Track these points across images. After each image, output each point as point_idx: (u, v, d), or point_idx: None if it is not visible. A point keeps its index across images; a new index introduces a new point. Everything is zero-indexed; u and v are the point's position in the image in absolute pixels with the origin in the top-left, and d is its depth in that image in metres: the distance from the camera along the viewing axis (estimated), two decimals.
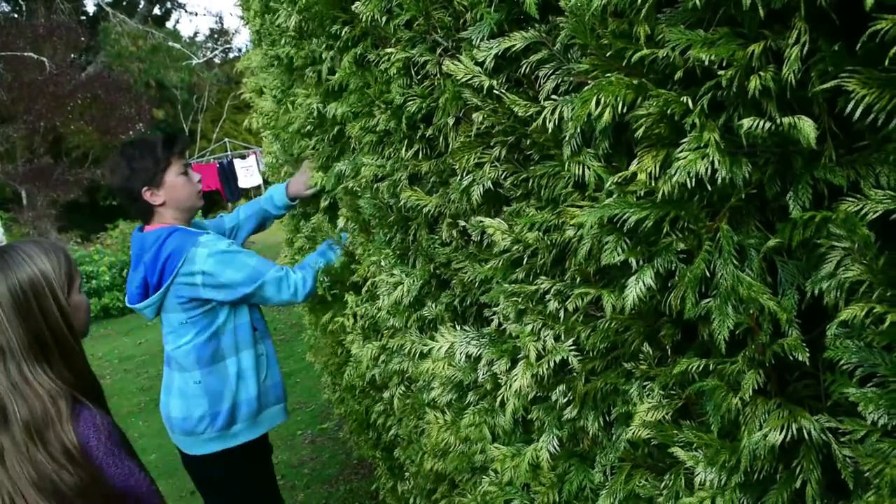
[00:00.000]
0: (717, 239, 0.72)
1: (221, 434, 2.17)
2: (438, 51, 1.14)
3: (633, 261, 0.81)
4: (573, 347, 0.98)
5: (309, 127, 1.96)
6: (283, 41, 2.05)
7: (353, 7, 1.34)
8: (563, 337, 1.00)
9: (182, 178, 2.15)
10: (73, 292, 1.40)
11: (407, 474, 1.92)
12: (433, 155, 1.29)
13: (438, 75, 1.15)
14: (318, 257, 2.18)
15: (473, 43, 1.01)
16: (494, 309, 1.17)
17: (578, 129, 0.85)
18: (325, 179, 1.96)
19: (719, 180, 0.67)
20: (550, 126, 0.87)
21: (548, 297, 1.00)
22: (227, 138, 17.60)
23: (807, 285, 0.67)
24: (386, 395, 1.82)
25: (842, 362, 0.64)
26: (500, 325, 1.16)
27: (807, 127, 0.60)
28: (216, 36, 24.11)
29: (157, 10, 22.51)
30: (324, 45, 1.69)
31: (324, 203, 2.18)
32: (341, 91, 1.63)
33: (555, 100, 0.88)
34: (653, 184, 0.74)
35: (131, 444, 1.50)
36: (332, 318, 2.17)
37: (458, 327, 1.27)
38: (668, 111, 0.70)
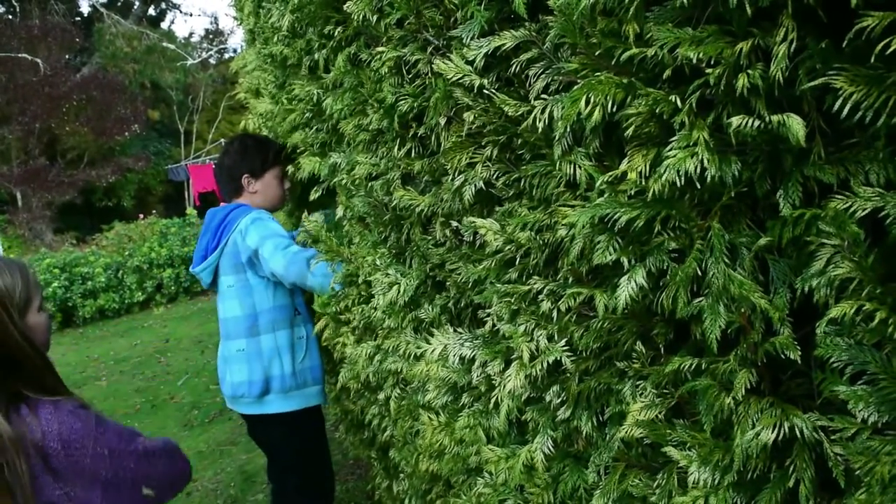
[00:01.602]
0: (708, 238, 0.72)
1: (256, 401, 2.40)
2: (429, 49, 1.14)
3: (624, 260, 0.81)
4: (566, 348, 0.97)
5: (308, 115, 1.96)
6: (275, 38, 2.05)
7: (345, 7, 1.34)
8: (556, 337, 0.99)
9: (277, 180, 2.52)
10: (31, 313, 1.36)
11: (402, 475, 1.92)
12: (425, 154, 1.29)
13: (429, 74, 1.14)
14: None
15: (464, 41, 1.00)
16: (488, 310, 1.16)
17: (569, 129, 0.84)
18: (321, 166, 1.95)
19: (709, 178, 0.67)
20: (541, 125, 0.87)
21: (541, 297, 1.00)
22: (223, 139, 17.57)
23: (797, 283, 0.67)
24: (381, 396, 1.82)
25: (832, 360, 0.64)
26: (493, 326, 1.15)
27: (795, 125, 0.60)
28: (211, 37, 24.06)
29: (151, 11, 22.47)
30: (317, 44, 1.69)
31: (314, 195, 2.17)
32: (335, 87, 1.63)
33: (545, 99, 0.87)
34: (643, 183, 0.74)
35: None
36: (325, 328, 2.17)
37: (451, 329, 1.26)
38: (658, 110, 0.70)
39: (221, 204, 2.59)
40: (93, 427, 1.31)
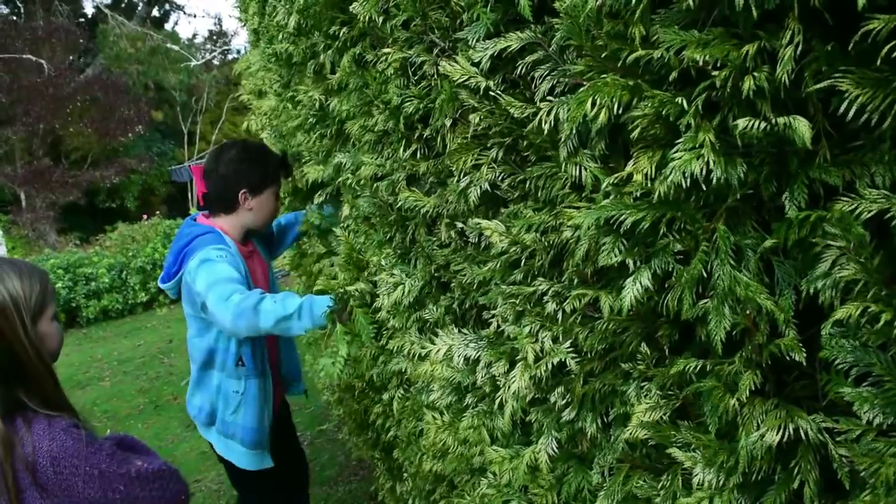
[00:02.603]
0: (713, 239, 0.72)
1: (204, 427, 2.34)
2: (435, 51, 1.14)
3: (630, 262, 0.81)
4: (571, 349, 0.98)
5: (312, 120, 1.97)
6: (280, 36, 2.06)
7: (350, 8, 1.34)
8: (561, 338, 1.00)
9: (274, 196, 2.24)
10: (43, 321, 1.36)
11: (406, 475, 1.92)
12: (431, 155, 1.29)
13: (435, 76, 1.15)
14: (288, 304, 1.86)
15: (470, 43, 1.01)
16: (493, 311, 1.17)
17: (574, 130, 0.85)
18: (325, 170, 1.96)
19: (714, 180, 0.67)
20: (546, 127, 0.87)
21: (546, 298, 1.00)
22: (226, 140, 17.56)
23: (802, 285, 0.67)
24: (385, 396, 1.82)
25: (837, 362, 0.64)
26: (498, 327, 1.16)
27: (802, 127, 0.60)
28: (215, 38, 24.10)
29: (155, 12, 22.51)
30: (322, 45, 1.70)
31: (318, 199, 2.18)
32: (341, 89, 1.63)
33: (551, 101, 0.88)
34: (649, 185, 0.74)
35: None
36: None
37: (456, 330, 1.27)
38: (664, 112, 0.70)
39: (193, 214, 2.38)
40: (84, 447, 1.30)
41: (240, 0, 3.07)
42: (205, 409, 2.26)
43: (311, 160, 2.13)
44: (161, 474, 1.43)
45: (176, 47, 20.24)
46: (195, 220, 2.29)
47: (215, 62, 22.83)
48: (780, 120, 0.62)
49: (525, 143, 0.98)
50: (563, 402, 1.02)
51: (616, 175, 0.79)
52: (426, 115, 1.23)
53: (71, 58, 17.11)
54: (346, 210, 1.87)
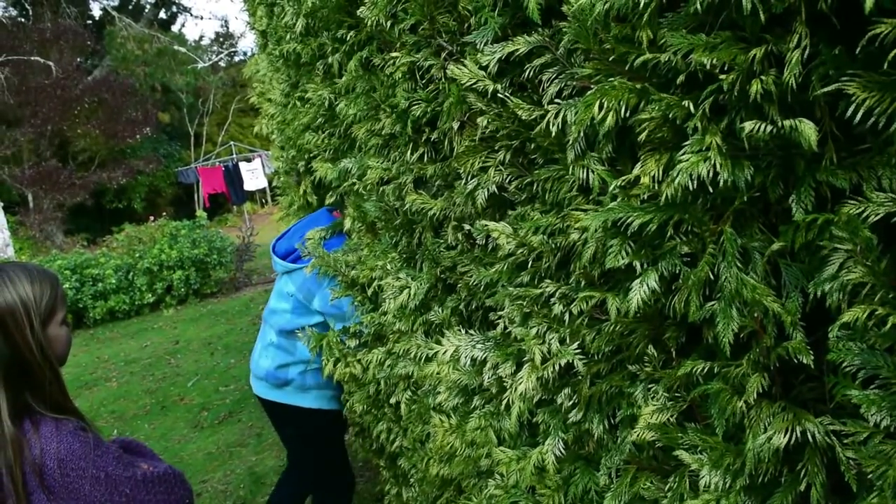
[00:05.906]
0: (720, 242, 0.73)
1: (275, 388, 2.54)
2: (443, 55, 1.15)
3: (637, 264, 0.81)
4: (578, 350, 0.98)
5: (320, 120, 1.98)
6: (288, 37, 2.07)
7: (358, 12, 1.35)
8: (568, 340, 1.00)
9: None
10: (52, 325, 1.37)
11: (412, 480, 1.92)
12: (438, 158, 1.30)
13: (443, 79, 1.15)
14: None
15: (477, 47, 1.01)
16: (500, 313, 1.17)
17: (582, 133, 0.85)
18: (332, 171, 1.97)
19: (721, 183, 0.67)
20: (554, 130, 0.88)
21: (553, 300, 1.00)
22: (232, 141, 17.65)
23: (809, 287, 0.67)
24: (392, 400, 1.83)
25: (844, 364, 0.64)
26: (505, 328, 1.16)
27: (808, 130, 0.61)
28: (221, 40, 24.21)
29: (162, 14, 22.61)
30: (330, 48, 1.71)
31: (329, 199, 2.20)
32: (348, 92, 1.64)
33: (558, 104, 0.88)
34: (656, 187, 0.75)
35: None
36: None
37: (463, 331, 1.27)
38: (671, 115, 0.70)
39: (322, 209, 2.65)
40: (91, 450, 1.31)
41: (248, 3, 3.09)
42: (281, 372, 2.49)
43: (319, 156, 2.15)
44: (166, 478, 1.44)
45: (183, 49, 20.31)
46: (331, 212, 2.58)
47: (222, 64, 22.94)
48: (787, 123, 0.62)
49: (532, 145, 0.98)
50: (570, 403, 1.02)
51: (623, 178, 0.80)
52: (434, 119, 1.24)
53: (78, 59, 17.20)
54: (348, 222, 1.89)
